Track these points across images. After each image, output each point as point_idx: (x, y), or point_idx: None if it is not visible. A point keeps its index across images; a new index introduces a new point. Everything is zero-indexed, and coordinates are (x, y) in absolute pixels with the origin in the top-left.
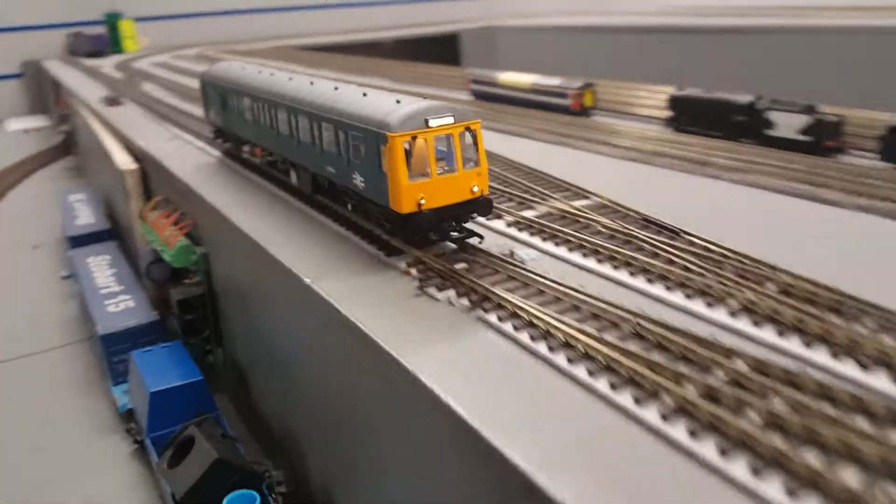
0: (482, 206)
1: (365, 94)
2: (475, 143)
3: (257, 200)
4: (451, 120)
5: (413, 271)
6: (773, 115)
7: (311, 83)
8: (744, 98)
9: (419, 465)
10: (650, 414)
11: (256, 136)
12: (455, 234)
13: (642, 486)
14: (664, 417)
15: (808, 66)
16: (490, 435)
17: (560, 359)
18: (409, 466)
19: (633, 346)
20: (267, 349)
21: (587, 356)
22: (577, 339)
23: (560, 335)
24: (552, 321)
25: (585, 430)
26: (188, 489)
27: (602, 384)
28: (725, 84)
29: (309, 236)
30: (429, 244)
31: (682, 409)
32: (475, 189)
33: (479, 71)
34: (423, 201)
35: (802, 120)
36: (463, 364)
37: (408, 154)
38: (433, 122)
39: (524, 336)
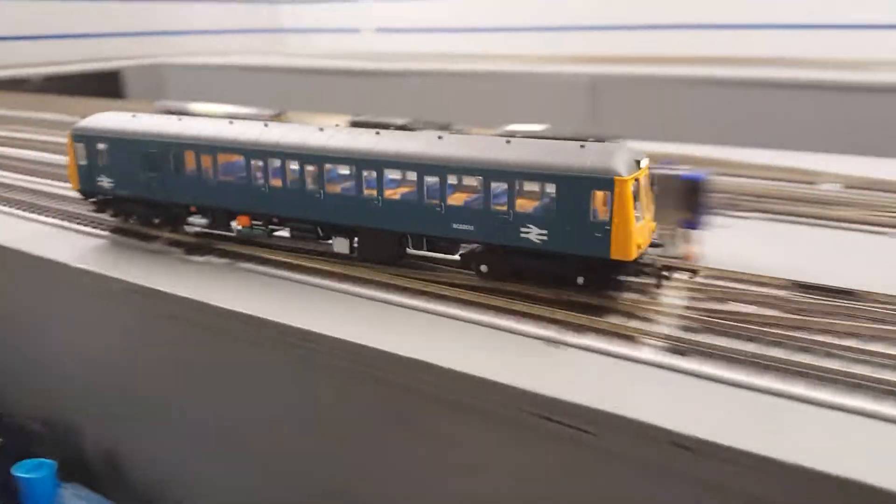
0: (657, 246)
1: (509, 142)
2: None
3: None
4: (647, 161)
5: (172, 248)
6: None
7: (378, 133)
8: (401, 120)
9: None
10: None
11: (253, 201)
12: (658, 277)
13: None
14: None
15: (446, 102)
16: (284, 320)
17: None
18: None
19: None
20: (29, 355)
21: (349, 277)
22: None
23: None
24: (299, 262)
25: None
26: None
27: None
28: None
29: (59, 240)
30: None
31: None
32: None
33: (168, 102)
34: (640, 247)
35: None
36: (240, 290)
37: (634, 198)
38: (643, 164)
39: (268, 268)
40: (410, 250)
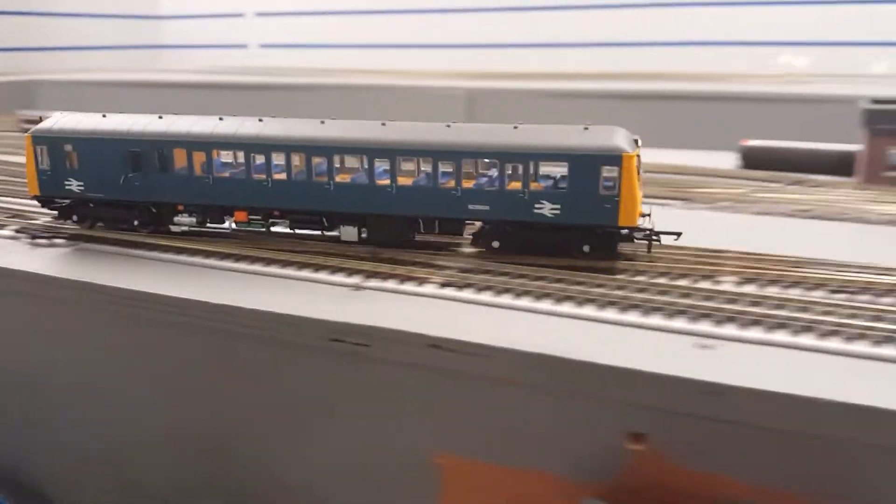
0: (645, 216)
1: (516, 127)
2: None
3: None
4: (640, 140)
5: (57, 240)
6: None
7: (384, 124)
8: None
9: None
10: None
11: (254, 196)
12: (649, 241)
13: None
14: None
15: (330, 112)
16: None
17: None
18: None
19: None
20: None
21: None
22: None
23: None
24: (135, 239)
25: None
26: None
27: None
28: None
29: None
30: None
31: None
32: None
33: (28, 112)
34: (640, 215)
35: None
36: (79, 265)
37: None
38: (639, 143)
39: (108, 247)
40: (421, 235)
